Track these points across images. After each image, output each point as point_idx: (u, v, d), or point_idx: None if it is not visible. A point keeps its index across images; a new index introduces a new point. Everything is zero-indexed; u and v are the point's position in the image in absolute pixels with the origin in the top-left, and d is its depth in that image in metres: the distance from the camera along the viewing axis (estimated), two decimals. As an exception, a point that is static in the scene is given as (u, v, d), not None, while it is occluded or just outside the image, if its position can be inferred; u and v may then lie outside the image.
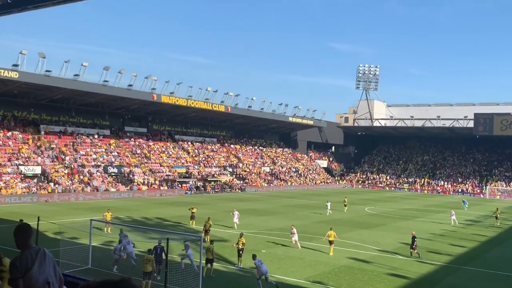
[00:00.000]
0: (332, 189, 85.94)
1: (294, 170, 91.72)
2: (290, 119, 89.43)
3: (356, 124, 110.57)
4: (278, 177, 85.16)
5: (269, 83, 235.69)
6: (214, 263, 21.25)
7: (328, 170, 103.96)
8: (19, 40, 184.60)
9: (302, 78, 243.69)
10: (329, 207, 45.21)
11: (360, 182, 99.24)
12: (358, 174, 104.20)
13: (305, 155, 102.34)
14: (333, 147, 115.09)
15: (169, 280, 17.11)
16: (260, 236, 31.15)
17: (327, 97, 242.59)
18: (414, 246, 25.73)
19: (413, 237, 25.95)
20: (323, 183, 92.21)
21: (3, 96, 58.18)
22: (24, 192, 49.63)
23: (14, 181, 50.77)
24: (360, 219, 42.82)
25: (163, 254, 18.65)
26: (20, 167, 53.36)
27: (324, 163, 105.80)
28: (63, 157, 59.15)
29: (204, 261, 20.16)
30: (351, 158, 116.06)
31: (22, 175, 52.70)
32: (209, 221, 29.26)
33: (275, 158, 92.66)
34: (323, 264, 23.56)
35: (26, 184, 51.31)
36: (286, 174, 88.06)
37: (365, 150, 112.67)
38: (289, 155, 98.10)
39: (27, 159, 55.27)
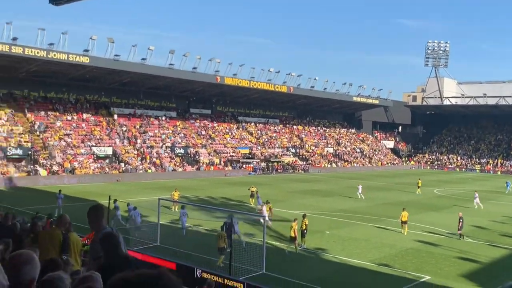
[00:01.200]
0: (399, 171, 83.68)
1: (358, 150, 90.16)
2: (354, 98, 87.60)
3: (424, 103, 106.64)
4: (342, 158, 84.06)
5: (332, 63, 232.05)
6: (288, 242, 21.60)
7: (394, 150, 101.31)
8: (90, 26, 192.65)
9: (367, 57, 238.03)
10: (360, 190, 41.77)
11: (428, 163, 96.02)
12: (427, 154, 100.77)
13: (370, 136, 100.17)
14: (400, 127, 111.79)
15: (234, 258, 17.43)
16: (323, 217, 30.99)
17: (394, 75, 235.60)
18: (459, 227, 25.12)
19: (460, 218, 25.35)
20: (389, 164, 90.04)
21: (75, 81, 61.05)
22: (96, 172, 52.15)
23: (88, 161, 53.41)
24: (428, 201, 41.54)
25: (231, 229, 19.05)
26: (92, 148, 56.01)
27: (390, 143, 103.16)
28: (134, 140, 61.42)
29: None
30: (419, 138, 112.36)
31: (95, 156, 55.31)
32: (269, 204, 28.99)
33: (338, 139, 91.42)
34: (389, 247, 23.11)
35: (99, 165, 53.83)
36: (350, 155, 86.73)
37: (434, 130, 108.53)
38: (353, 136, 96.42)
39: (99, 141, 57.87)
